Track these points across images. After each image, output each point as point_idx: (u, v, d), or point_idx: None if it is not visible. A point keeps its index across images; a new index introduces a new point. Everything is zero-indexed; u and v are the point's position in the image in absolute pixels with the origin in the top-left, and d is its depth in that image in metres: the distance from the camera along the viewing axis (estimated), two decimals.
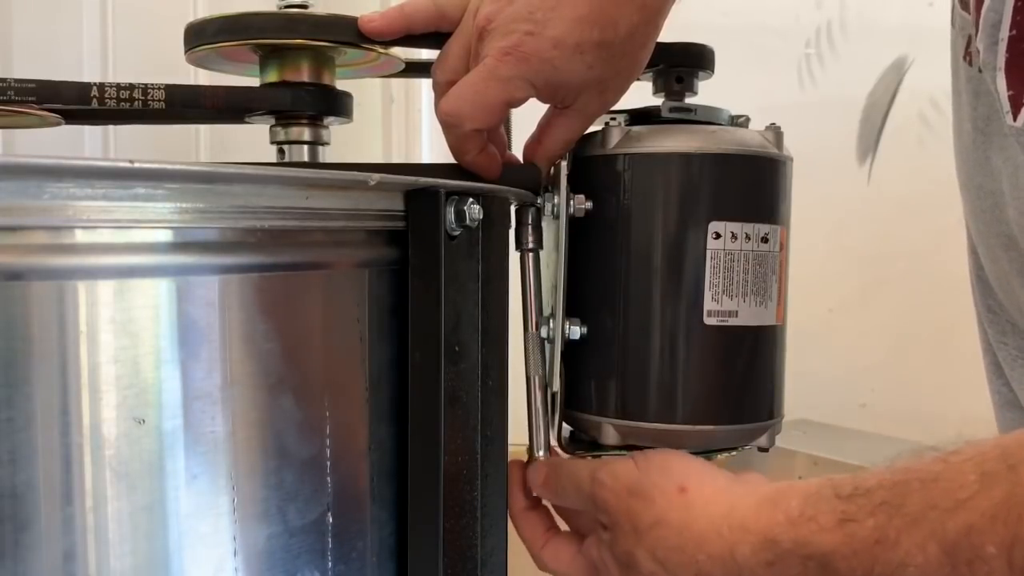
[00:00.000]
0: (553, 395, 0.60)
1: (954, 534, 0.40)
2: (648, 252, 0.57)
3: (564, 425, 0.62)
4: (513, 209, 0.59)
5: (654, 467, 0.53)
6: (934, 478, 0.41)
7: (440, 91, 0.58)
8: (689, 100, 0.63)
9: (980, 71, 0.54)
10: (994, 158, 0.55)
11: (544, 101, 0.58)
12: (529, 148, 0.60)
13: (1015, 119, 0.52)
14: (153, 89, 0.59)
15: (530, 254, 0.60)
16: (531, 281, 0.60)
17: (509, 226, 0.58)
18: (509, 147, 0.65)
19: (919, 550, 0.41)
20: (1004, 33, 0.51)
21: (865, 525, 0.42)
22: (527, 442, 0.60)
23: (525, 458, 0.60)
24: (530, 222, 0.59)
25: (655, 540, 0.50)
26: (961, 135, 0.60)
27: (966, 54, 0.58)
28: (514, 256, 0.59)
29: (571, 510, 0.59)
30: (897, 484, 0.42)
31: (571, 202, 0.58)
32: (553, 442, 0.61)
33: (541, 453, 0.59)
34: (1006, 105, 0.52)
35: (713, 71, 0.64)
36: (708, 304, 0.56)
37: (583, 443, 0.62)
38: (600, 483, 0.54)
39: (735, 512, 0.48)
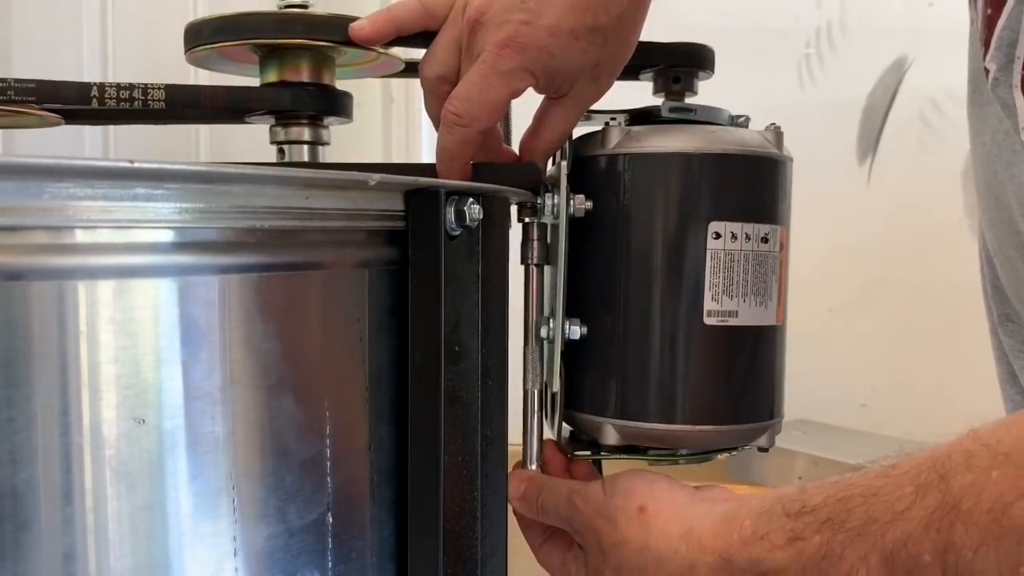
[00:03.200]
0: (553, 395, 0.60)
1: (892, 545, 0.41)
2: (648, 252, 0.57)
3: (564, 425, 0.62)
4: (521, 222, 0.59)
5: (619, 490, 0.55)
6: (874, 492, 0.43)
7: (430, 87, 0.58)
8: (689, 100, 0.63)
9: (992, 89, 0.55)
10: (1001, 173, 0.56)
11: (541, 91, 0.58)
12: (527, 141, 0.60)
13: None
14: (153, 89, 0.59)
15: (534, 269, 0.60)
16: (534, 294, 0.60)
17: (509, 226, 0.58)
18: (508, 142, 0.65)
19: (862, 563, 0.42)
20: (1021, 51, 0.52)
21: (812, 542, 0.44)
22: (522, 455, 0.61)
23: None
24: (536, 237, 0.60)
25: (619, 560, 0.53)
26: (979, 147, 0.60)
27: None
28: (514, 255, 0.59)
29: None
30: (840, 500, 0.44)
31: (571, 202, 0.58)
32: (551, 436, 0.61)
33: (533, 466, 0.60)
34: (1022, 121, 0.52)
35: (713, 71, 0.64)
36: (708, 304, 0.56)
37: (583, 443, 0.62)
38: (574, 507, 0.56)
39: (692, 532, 0.50)
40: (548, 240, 0.60)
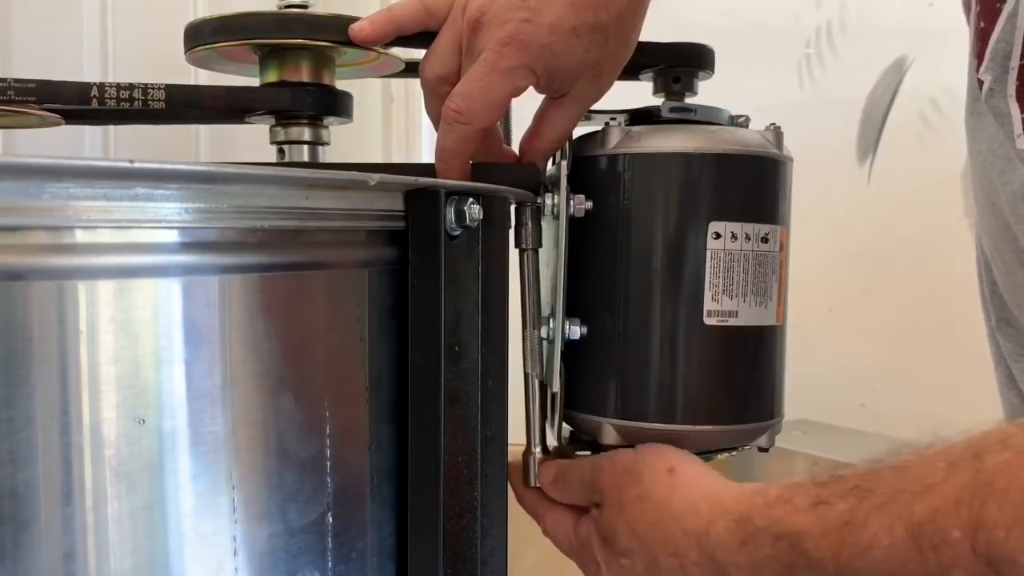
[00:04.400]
0: (553, 395, 0.60)
1: (920, 517, 0.41)
2: (648, 252, 0.57)
3: (564, 425, 0.62)
4: (512, 208, 0.59)
5: (651, 451, 0.55)
6: (905, 466, 0.43)
7: (430, 87, 0.58)
8: (689, 100, 0.63)
9: (986, 100, 0.55)
10: (995, 180, 0.56)
11: (541, 90, 0.58)
12: (527, 142, 0.60)
13: None
14: (153, 89, 0.59)
15: (529, 253, 0.60)
16: (530, 280, 0.60)
17: (509, 226, 0.58)
18: (508, 142, 0.65)
19: (886, 533, 0.41)
20: (1015, 62, 0.52)
21: (836, 508, 0.44)
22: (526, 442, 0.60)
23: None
24: (529, 221, 0.59)
25: (636, 514, 0.52)
26: (976, 155, 0.60)
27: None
28: (514, 255, 0.59)
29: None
30: (870, 472, 0.44)
31: (571, 202, 0.58)
32: (552, 441, 0.61)
33: (537, 449, 0.60)
34: (1019, 128, 0.53)
35: (713, 71, 0.64)
36: (708, 304, 0.56)
37: (583, 443, 0.62)
38: (600, 467, 0.56)
39: (717, 495, 0.50)
40: (541, 223, 0.60)
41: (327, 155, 0.65)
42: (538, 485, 0.60)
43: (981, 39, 0.55)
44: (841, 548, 0.43)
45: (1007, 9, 0.53)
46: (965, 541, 0.39)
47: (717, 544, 0.48)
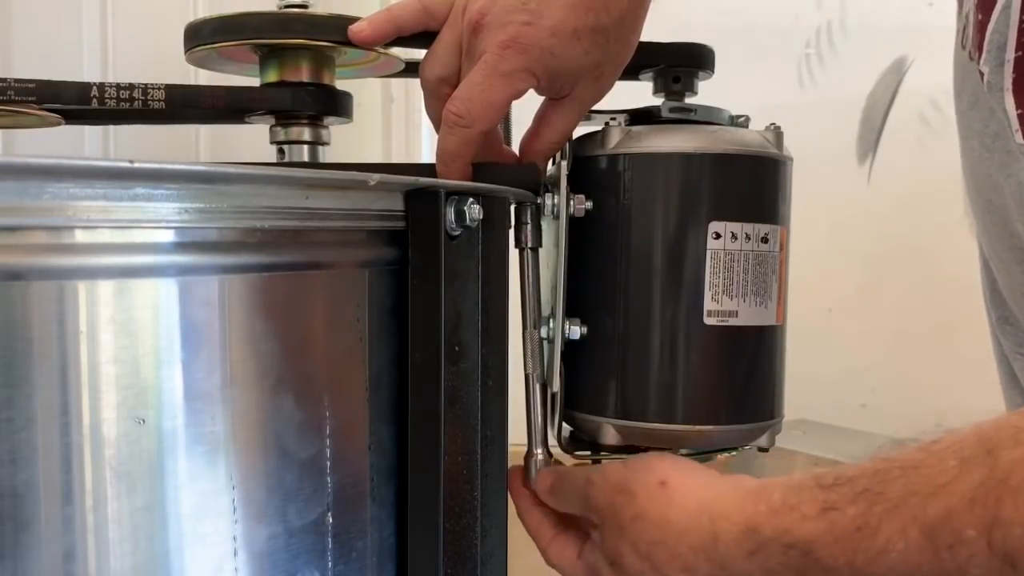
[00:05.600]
0: (553, 395, 0.60)
1: (934, 519, 0.40)
2: (648, 252, 0.57)
3: (564, 425, 0.62)
4: (512, 208, 0.59)
5: (640, 465, 0.53)
6: (915, 465, 0.42)
7: (430, 88, 0.58)
8: (689, 100, 0.63)
9: (988, 91, 0.55)
10: (995, 175, 0.56)
11: (542, 92, 0.58)
12: (527, 143, 0.60)
13: None
14: (153, 89, 0.59)
15: (529, 252, 0.60)
16: (530, 279, 0.60)
17: (509, 226, 0.58)
18: (508, 143, 0.65)
19: (900, 536, 0.41)
20: (1010, 54, 0.52)
21: (847, 513, 0.43)
22: (526, 442, 0.60)
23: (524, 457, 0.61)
24: (529, 220, 0.59)
25: (637, 534, 0.51)
26: (968, 152, 0.60)
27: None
28: (513, 255, 0.59)
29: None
30: (878, 472, 0.43)
31: (571, 202, 0.58)
32: (552, 442, 0.61)
33: (539, 451, 0.60)
34: (1015, 124, 0.52)
35: (713, 71, 0.64)
36: (708, 304, 0.56)
37: (583, 443, 0.62)
38: (592, 483, 0.54)
39: (716, 504, 0.48)
40: (541, 223, 0.60)
41: (327, 155, 0.65)
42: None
43: (979, 31, 0.55)
44: (855, 554, 0.42)
45: (1002, 0, 0.53)
46: (981, 539, 0.38)
47: (726, 555, 0.47)
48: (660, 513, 0.50)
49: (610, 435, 0.58)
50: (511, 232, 0.59)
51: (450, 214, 0.49)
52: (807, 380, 0.81)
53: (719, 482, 0.50)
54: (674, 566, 0.49)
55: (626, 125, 0.60)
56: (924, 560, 0.40)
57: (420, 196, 0.49)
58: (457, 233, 0.50)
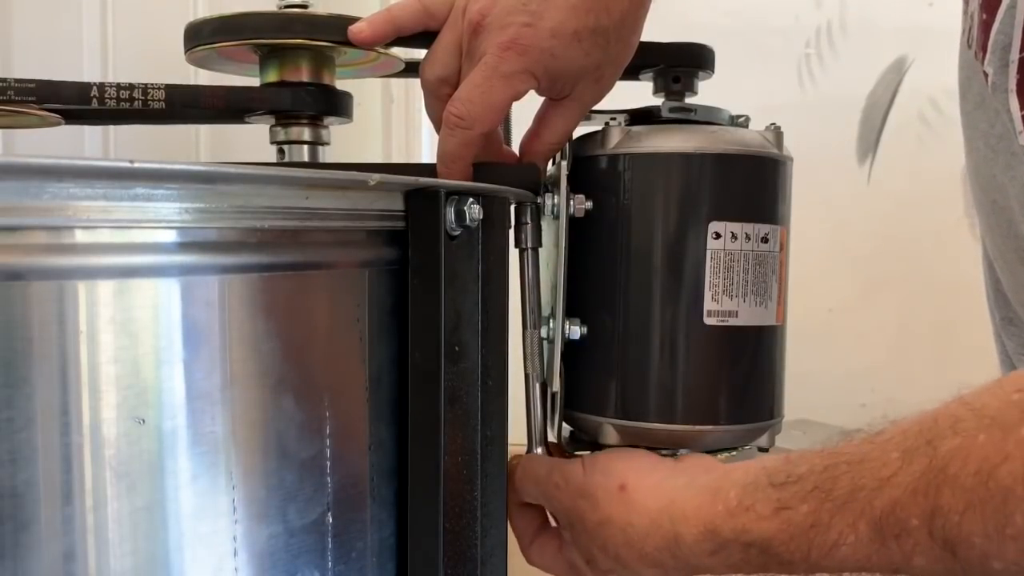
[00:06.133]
0: (553, 395, 0.60)
1: (880, 511, 0.42)
2: (648, 252, 0.57)
3: (564, 425, 0.62)
4: (512, 208, 0.59)
5: (598, 468, 0.55)
6: (860, 459, 0.43)
7: (430, 89, 0.58)
8: (689, 100, 0.63)
9: (992, 92, 0.55)
10: (1000, 176, 0.56)
11: (542, 93, 0.58)
12: (527, 143, 0.60)
13: None
14: (153, 89, 0.59)
15: (529, 252, 0.60)
16: (530, 279, 0.60)
17: (509, 226, 0.58)
18: (508, 143, 0.65)
19: (851, 530, 0.43)
20: (1015, 55, 0.52)
21: (800, 511, 0.45)
22: (527, 441, 0.60)
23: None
24: (529, 220, 0.59)
25: (605, 538, 0.53)
26: (973, 152, 0.60)
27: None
28: (513, 255, 0.59)
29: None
30: (827, 468, 0.44)
31: (571, 202, 0.58)
32: (552, 439, 0.61)
33: (539, 450, 0.60)
34: (1019, 125, 0.52)
35: (713, 71, 0.64)
36: (708, 304, 0.56)
37: (583, 443, 0.62)
38: (554, 485, 0.56)
39: (674, 505, 0.50)
40: (541, 223, 0.60)
41: (327, 155, 0.65)
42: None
43: (984, 31, 0.54)
44: (810, 549, 0.44)
45: (1006, 0, 0.53)
46: (923, 528, 0.40)
47: (689, 554, 0.49)
48: (622, 518, 0.52)
49: (610, 435, 0.58)
50: (511, 232, 0.59)
51: (450, 214, 0.49)
52: (807, 380, 0.81)
53: (674, 479, 0.52)
54: (644, 563, 0.51)
55: (626, 125, 0.60)
56: (872, 551, 0.42)
57: (420, 196, 0.49)
58: (457, 233, 0.50)
